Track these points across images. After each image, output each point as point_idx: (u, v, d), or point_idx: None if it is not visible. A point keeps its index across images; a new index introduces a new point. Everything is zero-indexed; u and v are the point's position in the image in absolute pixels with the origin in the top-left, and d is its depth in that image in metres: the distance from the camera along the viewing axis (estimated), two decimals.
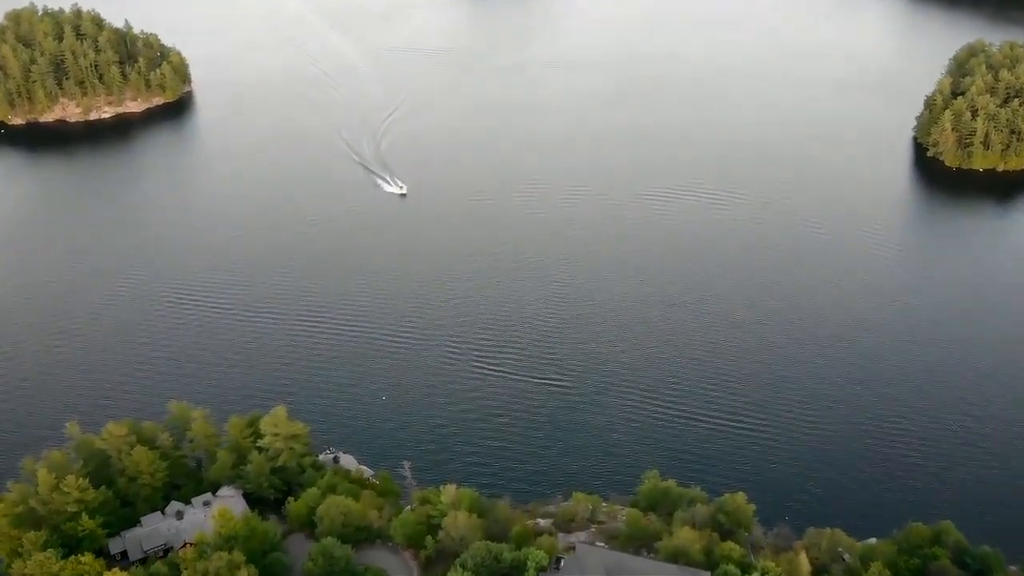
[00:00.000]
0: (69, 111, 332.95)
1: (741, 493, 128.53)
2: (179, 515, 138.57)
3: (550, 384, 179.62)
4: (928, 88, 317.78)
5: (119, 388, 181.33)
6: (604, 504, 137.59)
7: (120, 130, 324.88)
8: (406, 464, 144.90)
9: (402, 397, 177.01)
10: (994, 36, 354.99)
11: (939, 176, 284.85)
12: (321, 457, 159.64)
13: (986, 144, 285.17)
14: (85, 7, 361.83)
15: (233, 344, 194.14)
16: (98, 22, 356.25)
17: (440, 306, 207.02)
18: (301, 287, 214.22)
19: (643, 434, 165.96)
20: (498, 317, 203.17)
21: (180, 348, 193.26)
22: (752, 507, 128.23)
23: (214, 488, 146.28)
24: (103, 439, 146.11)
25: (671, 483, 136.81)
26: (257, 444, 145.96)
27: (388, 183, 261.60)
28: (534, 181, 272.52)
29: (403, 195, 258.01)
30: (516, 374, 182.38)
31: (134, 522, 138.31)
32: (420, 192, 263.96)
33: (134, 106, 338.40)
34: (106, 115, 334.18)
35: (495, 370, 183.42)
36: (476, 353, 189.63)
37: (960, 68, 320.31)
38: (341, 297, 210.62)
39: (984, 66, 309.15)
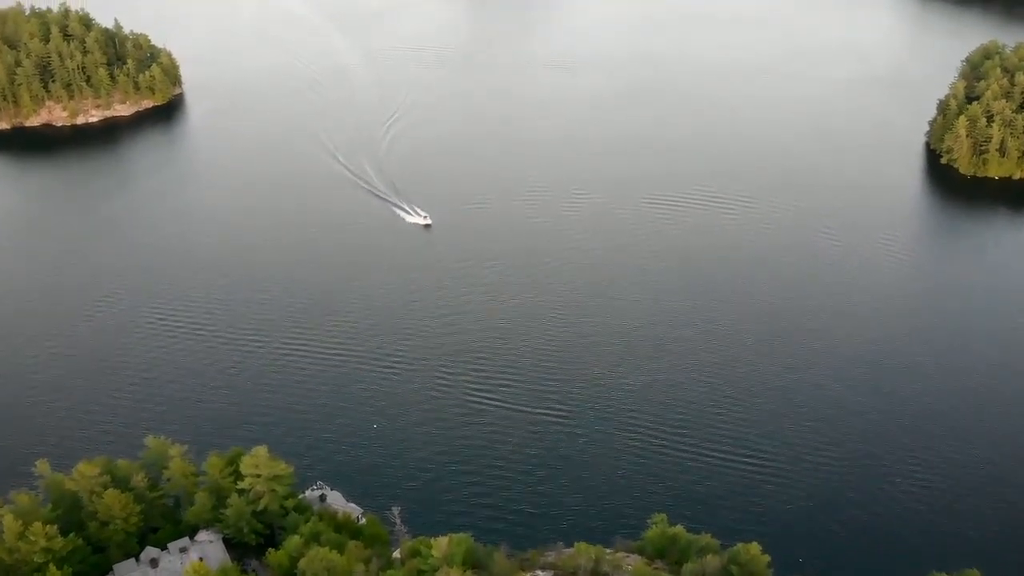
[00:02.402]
0: (55, 115, 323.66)
1: (755, 544, 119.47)
2: (153, 563, 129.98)
3: (549, 414, 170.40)
4: (940, 90, 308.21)
5: (94, 418, 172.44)
6: (608, 552, 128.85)
7: (108, 135, 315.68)
8: (395, 511, 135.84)
9: (393, 428, 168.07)
10: (1006, 36, 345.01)
11: (954, 184, 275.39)
12: (308, 493, 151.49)
13: (1002, 151, 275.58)
14: (74, 6, 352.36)
15: (216, 369, 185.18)
16: (86, 22, 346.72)
17: (432, 329, 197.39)
18: (288, 309, 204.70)
19: (649, 470, 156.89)
20: (492, 339, 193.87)
21: (160, 373, 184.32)
22: (767, 558, 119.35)
23: (192, 532, 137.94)
24: (73, 480, 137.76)
25: (679, 529, 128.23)
26: (238, 486, 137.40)
27: (409, 212, 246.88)
28: (532, 188, 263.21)
29: (427, 225, 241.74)
30: (512, 403, 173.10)
31: (106, 570, 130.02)
32: (415, 194, 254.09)
33: (122, 109, 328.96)
34: (94, 119, 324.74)
35: (490, 399, 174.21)
36: (470, 381, 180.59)
37: (974, 71, 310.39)
38: (330, 320, 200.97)
39: (999, 69, 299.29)
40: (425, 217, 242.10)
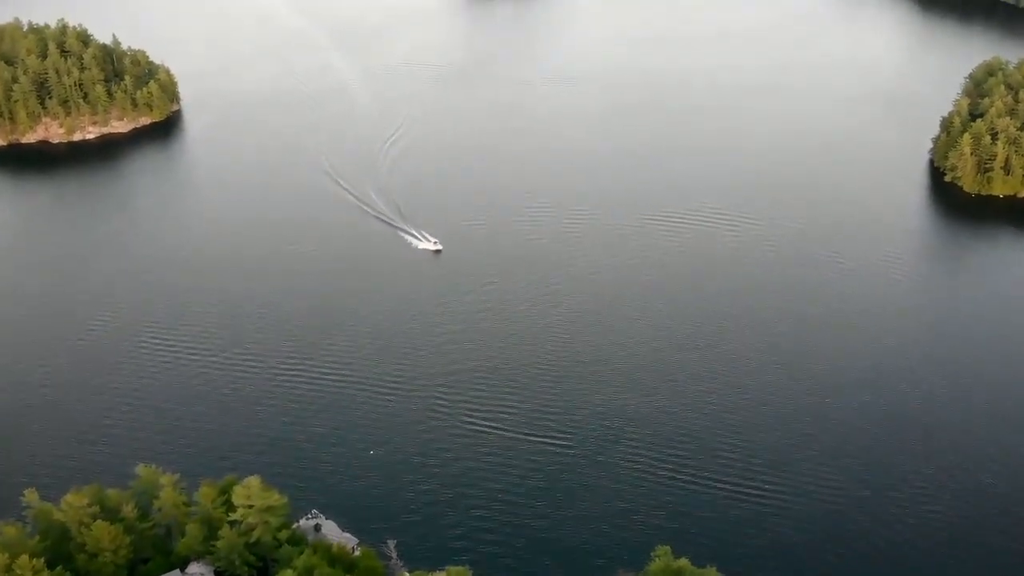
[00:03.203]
0: (52, 131, 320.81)
1: None
2: None
3: (550, 442, 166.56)
4: (942, 107, 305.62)
5: (85, 444, 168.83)
6: None
7: (104, 151, 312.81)
8: (392, 543, 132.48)
9: (390, 455, 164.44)
10: (1008, 51, 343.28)
11: (958, 202, 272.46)
12: (302, 522, 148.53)
13: (1007, 169, 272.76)
14: (73, 21, 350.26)
15: (210, 393, 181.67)
16: (84, 38, 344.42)
17: (430, 353, 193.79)
18: (284, 333, 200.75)
19: (652, 499, 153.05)
20: (492, 364, 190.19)
21: (153, 397, 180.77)
22: None
23: (183, 564, 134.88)
24: (62, 510, 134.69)
25: (684, 562, 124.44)
26: (230, 517, 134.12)
27: (418, 238, 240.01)
28: (535, 207, 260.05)
29: (437, 251, 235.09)
30: (512, 430, 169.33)
31: None
32: (421, 218, 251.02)
33: (120, 126, 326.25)
34: (90, 135, 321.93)
35: (490, 426, 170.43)
36: (469, 406, 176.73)
37: (977, 88, 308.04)
38: (327, 343, 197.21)
39: (1003, 86, 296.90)
40: (435, 243, 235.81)
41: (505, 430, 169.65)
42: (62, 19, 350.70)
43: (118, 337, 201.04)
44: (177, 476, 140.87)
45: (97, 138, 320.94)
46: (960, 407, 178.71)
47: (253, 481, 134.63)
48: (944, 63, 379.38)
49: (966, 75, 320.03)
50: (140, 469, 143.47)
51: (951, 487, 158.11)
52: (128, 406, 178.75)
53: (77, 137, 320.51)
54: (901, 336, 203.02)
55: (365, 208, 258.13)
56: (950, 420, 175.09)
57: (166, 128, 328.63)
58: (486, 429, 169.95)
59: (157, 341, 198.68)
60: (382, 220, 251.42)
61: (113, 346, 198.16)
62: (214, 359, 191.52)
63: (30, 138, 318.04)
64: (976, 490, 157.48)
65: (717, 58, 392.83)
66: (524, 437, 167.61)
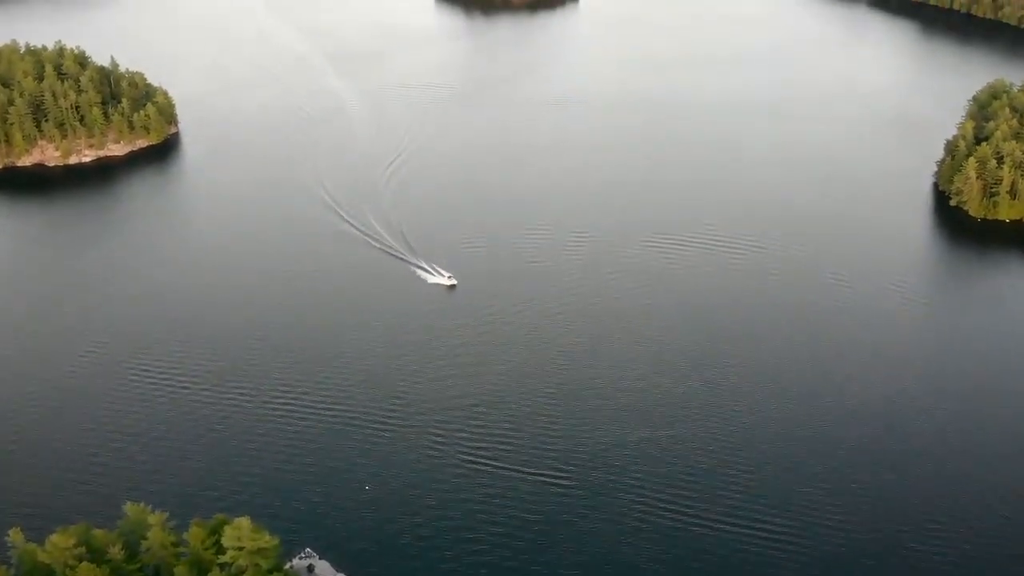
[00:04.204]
0: (48, 154, 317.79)
1: None
2: None
3: (550, 477, 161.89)
4: (946, 129, 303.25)
5: (73, 481, 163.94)
6: None
7: (100, 175, 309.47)
8: None
9: (386, 491, 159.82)
10: (1012, 72, 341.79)
11: (964, 227, 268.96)
12: (295, 562, 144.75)
13: (1013, 194, 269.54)
14: (71, 43, 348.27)
15: (201, 426, 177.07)
16: (81, 60, 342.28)
17: (425, 385, 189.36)
18: (277, 363, 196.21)
19: (655, 543, 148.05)
20: (490, 395, 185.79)
21: (143, 431, 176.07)
22: None
23: None
24: (47, 551, 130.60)
25: None
26: (219, 559, 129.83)
27: (430, 272, 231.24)
28: (532, 231, 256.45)
29: (452, 285, 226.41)
30: (511, 465, 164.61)
31: None
32: (431, 250, 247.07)
33: (116, 149, 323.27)
34: (87, 159, 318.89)
35: (488, 462, 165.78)
36: (467, 439, 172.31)
37: (982, 110, 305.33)
38: (320, 375, 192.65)
39: (1008, 109, 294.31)
40: (449, 277, 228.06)
41: (504, 466, 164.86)
42: (60, 41, 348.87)
43: (108, 367, 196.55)
44: (166, 515, 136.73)
45: (93, 161, 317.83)
46: (973, 441, 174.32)
47: (243, 522, 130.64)
48: (947, 85, 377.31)
49: (969, 97, 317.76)
50: (128, 508, 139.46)
51: (965, 525, 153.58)
52: (117, 440, 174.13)
53: (73, 160, 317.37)
54: (910, 366, 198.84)
55: (365, 235, 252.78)
56: (962, 454, 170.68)
57: (163, 151, 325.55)
58: (484, 465, 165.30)
59: (148, 372, 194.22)
60: (389, 252, 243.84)
61: (103, 377, 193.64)
62: (206, 391, 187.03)
63: (26, 161, 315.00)
64: (993, 528, 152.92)
65: (718, 81, 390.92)
66: (524, 474, 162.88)
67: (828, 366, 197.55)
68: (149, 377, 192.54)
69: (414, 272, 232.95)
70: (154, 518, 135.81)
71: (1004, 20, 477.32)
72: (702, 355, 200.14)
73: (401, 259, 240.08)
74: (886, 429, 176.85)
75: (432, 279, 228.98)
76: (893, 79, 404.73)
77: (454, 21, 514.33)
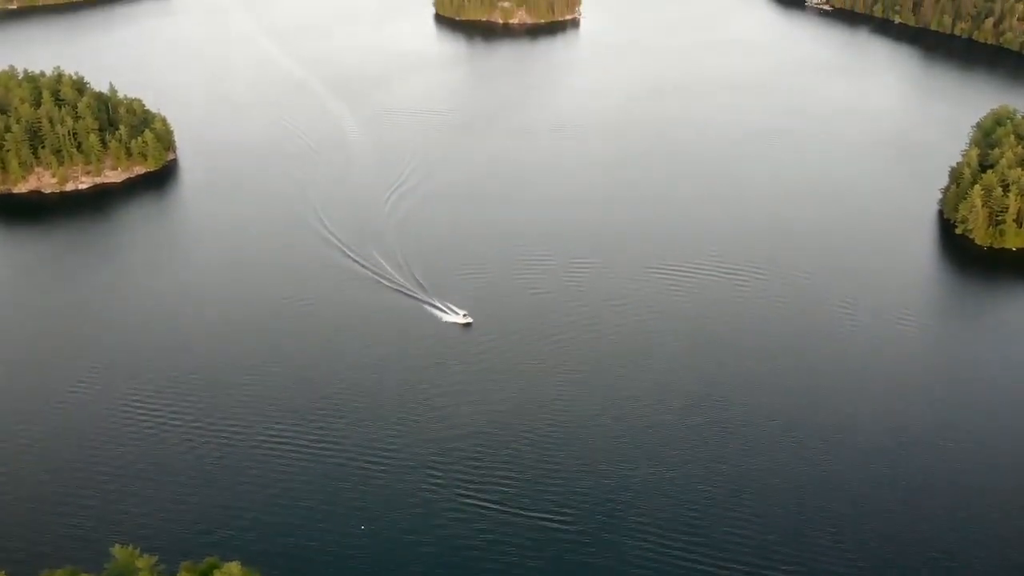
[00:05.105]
0: (44, 181, 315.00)
1: None
2: None
3: (550, 518, 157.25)
4: (950, 155, 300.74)
5: (61, 520, 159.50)
6: None
7: (97, 202, 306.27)
8: None
9: (381, 532, 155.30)
10: (1015, 99, 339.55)
11: (970, 255, 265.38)
12: None
13: (1019, 222, 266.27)
14: (70, 69, 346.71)
15: (192, 462, 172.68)
16: (79, 86, 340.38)
17: (422, 420, 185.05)
18: (271, 398, 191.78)
19: None
20: (488, 431, 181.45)
21: (132, 468, 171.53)
22: None
23: None
24: None
25: None
26: None
27: (444, 310, 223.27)
28: (534, 259, 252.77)
29: (467, 323, 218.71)
30: (510, 506, 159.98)
31: None
32: (439, 285, 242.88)
33: (113, 176, 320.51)
34: (83, 185, 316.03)
35: (486, 502, 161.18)
36: (463, 478, 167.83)
37: (986, 137, 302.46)
38: (315, 412, 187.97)
39: (1012, 136, 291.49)
40: (464, 315, 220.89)
41: (503, 506, 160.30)
42: (58, 67, 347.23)
43: (98, 401, 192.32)
44: (155, 559, 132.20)
45: (90, 188, 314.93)
46: (985, 477, 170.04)
47: (234, 568, 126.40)
48: (950, 111, 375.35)
49: (973, 124, 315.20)
50: (116, 550, 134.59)
51: (980, 564, 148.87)
52: (106, 477, 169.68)
53: (70, 187, 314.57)
54: (918, 398, 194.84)
55: (374, 273, 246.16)
56: (973, 489, 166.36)
57: (160, 178, 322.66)
58: (483, 504, 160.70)
59: (139, 405, 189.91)
60: (402, 291, 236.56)
61: (93, 411, 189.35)
62: (198, 426, 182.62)
63: (22, 188, 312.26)
64: (1008, 567, 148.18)
65: (720, 107, 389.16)
66: (523, 514, 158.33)
67: (835, 399, 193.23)
68: (141, 412, 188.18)
69: (427, 310, 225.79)
70: (142, 561, 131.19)
71: (1006, 46, 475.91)
72: (706, 388, 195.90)
73: (413, 297, 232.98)
74: (895, 465, 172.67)
75: (447, 318, 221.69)
76: (896, 105, 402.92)
77: (455, 47, 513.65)
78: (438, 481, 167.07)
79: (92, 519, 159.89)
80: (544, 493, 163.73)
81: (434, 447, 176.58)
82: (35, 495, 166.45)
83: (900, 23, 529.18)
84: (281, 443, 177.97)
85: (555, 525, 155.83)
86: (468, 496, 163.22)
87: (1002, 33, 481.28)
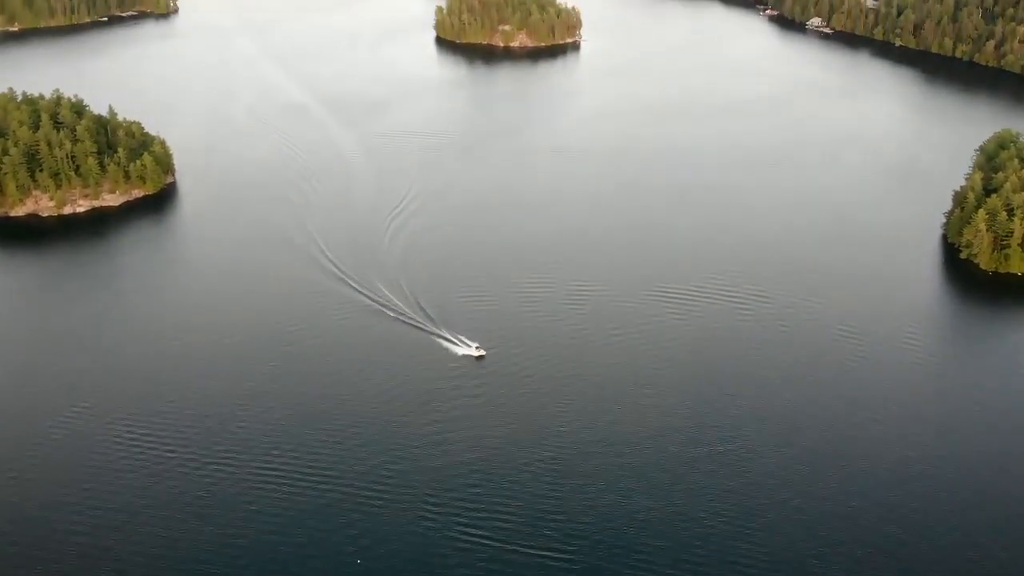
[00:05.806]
0: (42, 204, 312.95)
1: None
2: None
3: (550, 556, 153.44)
4: (953, 179, 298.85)
5: (49, 559, 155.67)
6: None
7: (94, 225, 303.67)
8: None
9: (377, 565, 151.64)
10: (1017, 122, 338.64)
11: (975, 280, 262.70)
12: None
13: None
14: (69, 91, 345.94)
15: (184, 494, 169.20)
16: (78, 109, 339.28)
17: (419, 451, 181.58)
18: (265, 428, 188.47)
19: None
20: (484, 463, 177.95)
21: (122, 499, 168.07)
22: None
23: None
24: None
25: None
26: None
27: (455, 343, 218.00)
28: (536, 284, 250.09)
29: (480, 356, 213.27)
30: (508, 542, 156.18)
31: None
32: (446, 314, 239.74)
33: (111, 199, 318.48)
34: (81, 209, 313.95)
35: (483, 538, 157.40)
36: (461, 509, 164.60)
37: (990, 161, 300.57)
38: (310, 441, 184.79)
39: (1016, 160, 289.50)
40: (477, 348, 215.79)
41: (501, 541, 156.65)
42: (57, 89, 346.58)
43: (90, 430, 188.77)
44: None
45: (87, 212, 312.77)
46: (995, 510, 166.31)
47: None
48: (952, 134, 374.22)
49: (976, 147, 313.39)
50: None
51: None
52: (97, 509, 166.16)
53: (67, 210, 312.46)
54: (925, 427, 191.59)
55: (377, 303, 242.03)
56: (983, 522, 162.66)
57: (159, 201, 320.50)
58: (481, 539, 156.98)
59: (131, 435, 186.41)
60: (409, 323, 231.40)
61: (84, 440, 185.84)
62: (191, 456, 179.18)
63: (19, 211, 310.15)
64: None
65: (721, 130, 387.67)
66: (522, 551, 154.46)
67: (839, 427, 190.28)
68: (132, 440, 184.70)
69: (439, 343, 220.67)
70: None
71: (1007, 68, 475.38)
72: (709, 415, 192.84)
73: (422, 329, 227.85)
74: (903, 497, 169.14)
75: (460, 350, 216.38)
76: (897, 128, 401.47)
77: (456, 70, 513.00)
78: (434, 512, 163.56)
79: (79, 555, 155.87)
80: (543, 527, 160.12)
81: (433, 479, 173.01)
82: (22, 536, 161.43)
83: (901, 46, 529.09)
84: (277, 475, 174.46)
85: (555, 561, 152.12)
86: (464, 527, 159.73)
87: (1003, 55, 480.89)
